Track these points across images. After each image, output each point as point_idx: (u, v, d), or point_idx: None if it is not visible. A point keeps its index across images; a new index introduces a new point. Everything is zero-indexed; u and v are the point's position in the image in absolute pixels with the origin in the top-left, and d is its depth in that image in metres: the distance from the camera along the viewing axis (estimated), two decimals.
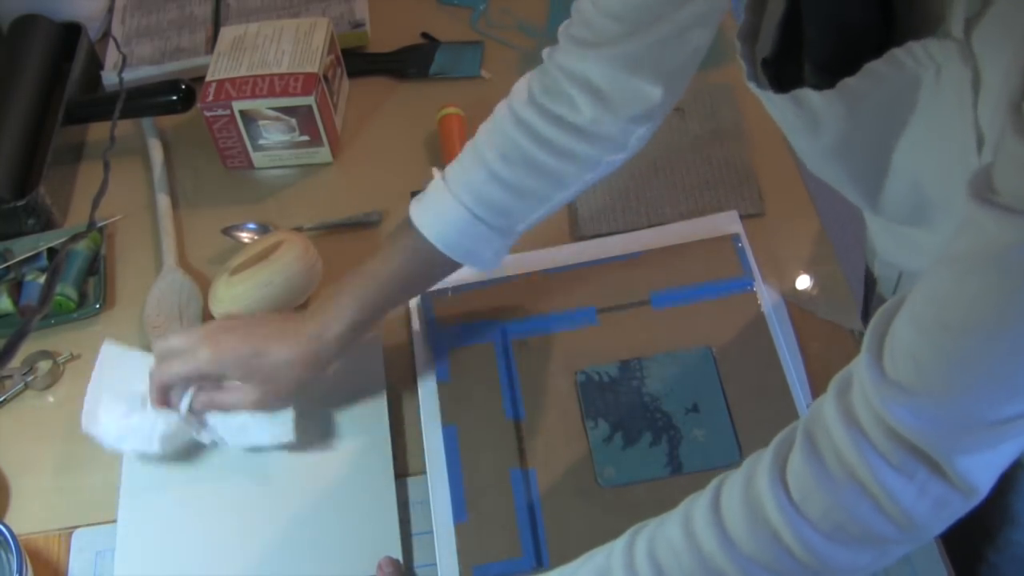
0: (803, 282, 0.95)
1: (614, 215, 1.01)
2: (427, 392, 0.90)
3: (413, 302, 0.96)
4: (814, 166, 0.69)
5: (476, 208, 0.81)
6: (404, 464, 0.87)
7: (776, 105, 0.63)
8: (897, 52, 0.55)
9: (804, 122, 0.62)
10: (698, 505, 0.61)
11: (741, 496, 0.59)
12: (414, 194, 1.01)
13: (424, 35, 1.23)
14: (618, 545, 0.64)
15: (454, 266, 0.85)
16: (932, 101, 0.56)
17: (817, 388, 0.87)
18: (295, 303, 0.97)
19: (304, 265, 0.96)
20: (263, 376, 0.82)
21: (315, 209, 1.07)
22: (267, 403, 0.84)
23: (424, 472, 0.86)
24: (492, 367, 0.90)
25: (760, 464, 0.59)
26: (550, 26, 1.23)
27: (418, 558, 0.82)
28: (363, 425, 0.89)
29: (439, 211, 0.82)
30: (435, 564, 0.81)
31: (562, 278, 0.96)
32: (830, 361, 0.89)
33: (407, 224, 0.84)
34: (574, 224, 1.02)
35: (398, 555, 0.81)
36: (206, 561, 0.83)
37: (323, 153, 1.11)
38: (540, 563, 0.80)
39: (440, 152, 1.09)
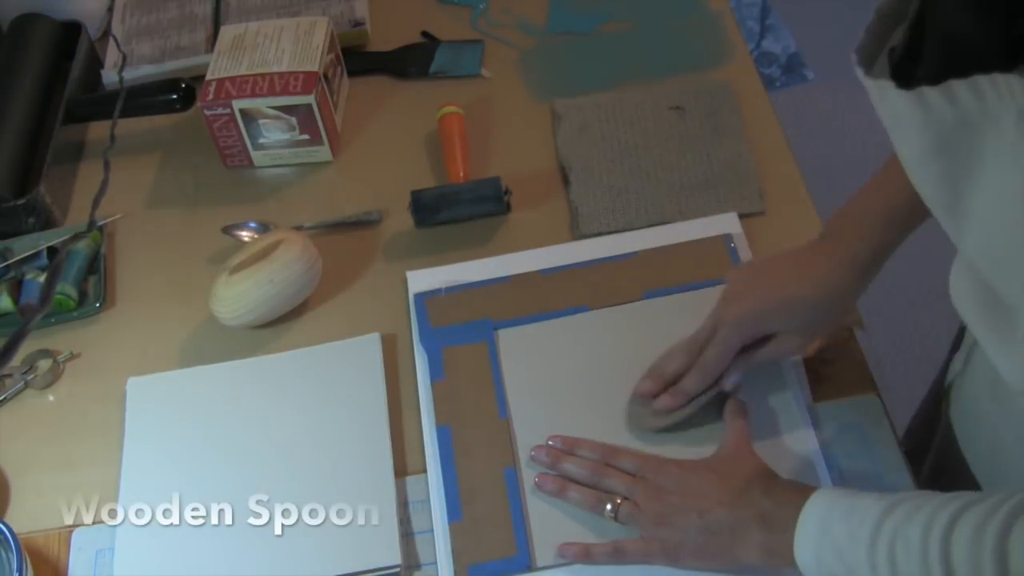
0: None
1: (614, 214, 1.02)
2: (422, 392, 0.90)
3: (409, 299, 0.96)
4: (907, 168, 0.61)
5: None
6: (403, 463, 0.87)
7: (870, 91, 0.57)
8: (981, 79, 0.49)
9: (888, 117, 0.57)
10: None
11: None
12: (414, 193, 1.02)
13: (424, 34, 1.23)
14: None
15: None
16: (1007, 148, 0.50)
17: (816, 387, 0.87)
18: (295, 302, 0.98)
19: (304, 264, 0.96)
20: (797, 324, 0.82)
21: (315, 208, 1.07)
22: (807, 345, 0.84)
23: (424, 471, 0.86)
24: (486, 367, 0.90)
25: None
26: (550, 25, 1.23)
27: (418, 558, 0.82)
28: (363, 424, 0.89)
29: None
30: (435, 564, 0.81)
31: (556, 278, 0.96)
32: (829, 361, 0.89)
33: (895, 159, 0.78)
34: (574, 223, 1.02)
35: (397, 555, 0.81)
36: (206, 561, 0.83)
37: (323, 152, 1.11)
38: (534, 562, 0.80)
39: (440, 151, 1.09)
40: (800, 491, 0.73)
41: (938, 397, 0.96)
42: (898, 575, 0.64)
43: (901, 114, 0.54)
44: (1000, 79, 0.48)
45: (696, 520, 0.76)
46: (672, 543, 0.77)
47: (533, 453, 0.85)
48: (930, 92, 0.51)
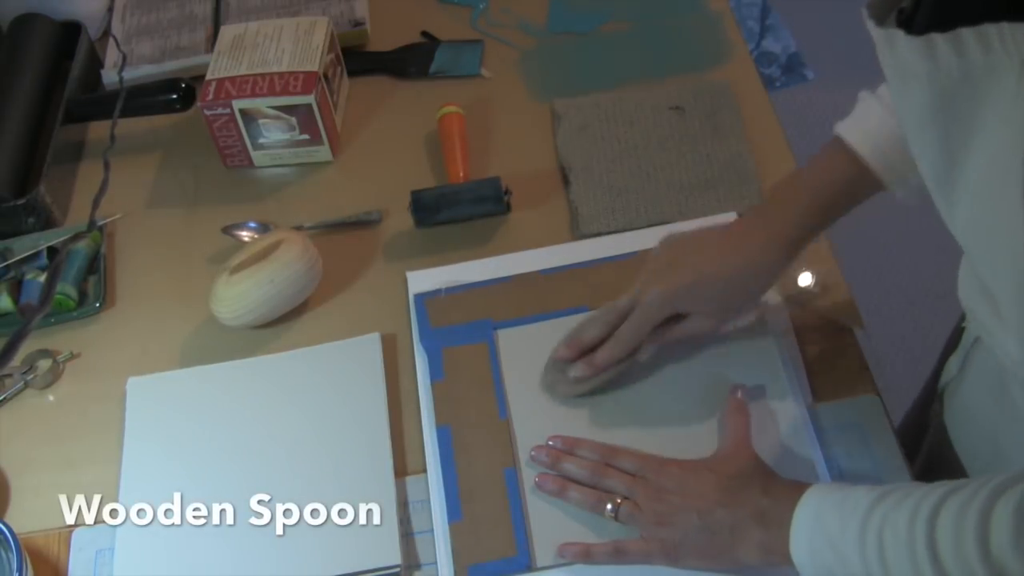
0: (802, 281, 0.95)
1: (614, 214, 1.02)
2: (422, 392, 0.90)
3: (409, 299, 0.96)
4: (906, 131, 0.61)
5: None
6: (403, 463, 0.87)
7: (878, 42, 0.58)
8: (989, 28, 0.49)
9: (894, 71, 0.57)
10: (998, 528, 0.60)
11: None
12: (414, 193, 1.02)
13: (424, 34, 1.23)
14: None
15: (875, 189, 0.80)
16: (1007, 102, 0.50)
17: (816, 387, 0.87)
18: (295, 302, 0.98)
19: (304, 264, 0.96)
20: (715, 305, 0.83)
21: (315, 208, 1.07)
22: (722, 325, 0.85)
23: (424, 471, 0.86)
24: (486, 367, 0.90)
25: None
26: (550, 25, 1.23)
27: (418, 558, 0.82)
28: (363, 424, 0.89)
29: (868, 124, 0.78)
30: (435, 564, 0.81)
31: (556, 278, 0.96)
32: (829, 360, 0.89)
33: (834, 143, 0.80)
34: (574, 223, 1.02)
35: (397, 555, 0.81)
36: (206, 561, 0.83)
37: (323, 152, 1.11)
38: (534, 562, 0.80)
39: (440, 151, 1.09)
40: (797, 487, 0.74)
41: (928, 400, 0.96)
42: (886, 561, 0.65)
43: (908, 65, 0.54)
44: (1007, 29, 0.48)
45: (696, 520, 0.76)
46: (672, 543, 0.77)
47: (533, 453, 0.85)
48: (939, 39, 0.51)
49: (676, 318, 0.85)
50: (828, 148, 0.82)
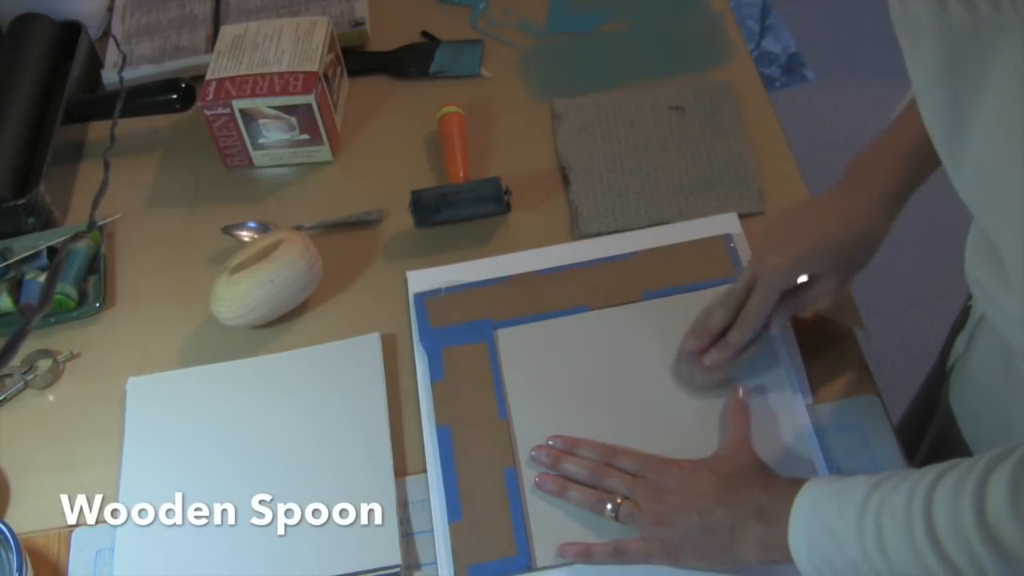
0: (802, 281, 0.95)
1: (614, 214, 1.01)
2: (422, 392, 0.90)
3: (409, 299, 0.96)
4: (916, 91, 0.62)
5: None
6: (403, 463, 0.87)
7: (893, 6, 0.59)
8: None
9: (905, 27, 0.58)
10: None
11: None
12: (414, 193, 1.02)
13: (424, 34, 1.23)
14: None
15: None
16: (1019, 64, 0.50)
17: (816, 387, 0.87)
18: (295, 302, 0.98)
19: (304, 264, 0.96)
20: (832, 265, 0.83)
21: (315, 208, 1.07)
22: (846, 284, 0.85)
23: (424, 471, 0.86)
24: (485, 367, 0.90)
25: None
26: (550, 25, 1.23)
27: (418, 558, 0.82)
28: (363, 424, 0.89)
29: None
30: (435, 564, 0.81)
31: (556, 278, 0.96)
32: (829, 360, 0.89)
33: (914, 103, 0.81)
34: (574, 223, 1.02)
35: (397, 555, 0.81)
36: (206, 560, 0.83)
37: (323, 152, 1.11)
38: (534, 562, 0.80)
39: (440, 151, 1.09)
40: (796, 484, 0.74)
41: (936, 383, 0.97)
42: (884, 544, 0.65)
43: (919, 20, 0.55)
44: None
45: (696, 520, 0.76)
46: (672, 543, 0.77)
47: (533, 453, 0.85)
48: None
49: (799, 287, 0.85)
50: (911, 106, 0.82)
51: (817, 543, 0.69)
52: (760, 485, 0.76)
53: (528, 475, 0.84)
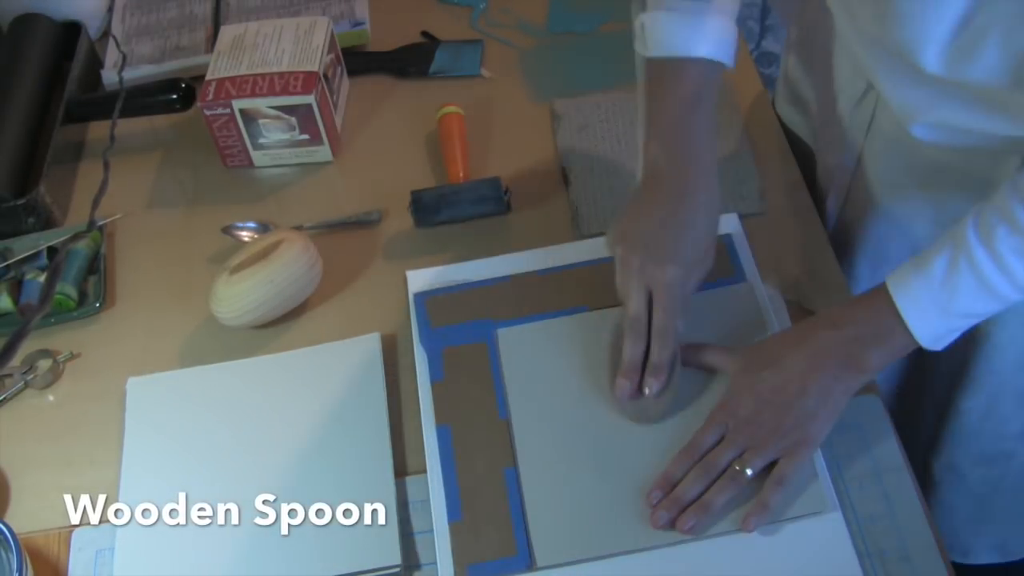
0: (804, 281, 0.95)
1: (614, 214, 1.01)
2: (422, 392, 0.90)
3: (410, 301, 0.96)
4: None
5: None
6: (403, 463, 0.87)
7: None
8: None
9: None
10: None
11: None
12: (414, 193, 1.02)
13: (424, 34, 1.23)
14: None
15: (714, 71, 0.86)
16: None
17: None
18: (295, 302, 0.98)
19: (304, 264, 0.96)
20: (704, 248, 0.86)
21: (315, 208, 1.07)
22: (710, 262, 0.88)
23: (424, 471, 0.86)
24: (485, 367, 0.90)
25: None
26: (550, 25, 1.23)
27: (418, 558, 0.82)
28: (363, 424, 0.89)
29: (664, 33, 0.85)
30: (435, 564, 0.81)
31: (555, 278, 0.96)
32: None
33: (647, 66, 0.87)
34: (574, 223, 1.02)
35: (397, 555, 0.81)
36: (206, 560, 0.83)
37: (323, 152, 1.11)
38: (534, 562, 0.80)
39: (440, 151, 1.09)
40: (844, 312, 0.81)
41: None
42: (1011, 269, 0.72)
43: None
44: None
45: (799, 402, 0.79)
46: (802, 436, 0.79)
47: (655, 520, 0.80)
48: None
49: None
50: (664, 79, 0.86)
51: (947, 328, 0.77)
52: (795, 343, 0.81)
53: (528, 475, 0.84)
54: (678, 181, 0.85)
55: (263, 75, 1.07)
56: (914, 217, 0.93)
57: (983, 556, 1.18)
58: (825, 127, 1.01)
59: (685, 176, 0.85)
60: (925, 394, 1.08)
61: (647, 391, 0.85)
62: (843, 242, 1.02)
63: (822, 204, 1.04)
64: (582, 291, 0.95)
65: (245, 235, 1.05)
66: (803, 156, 1.06)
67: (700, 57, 0.85)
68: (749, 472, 0.79)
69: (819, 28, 1.00)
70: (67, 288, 1.00)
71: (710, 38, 0.85)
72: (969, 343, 0.97)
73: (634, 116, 1.09)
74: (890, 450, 0.83)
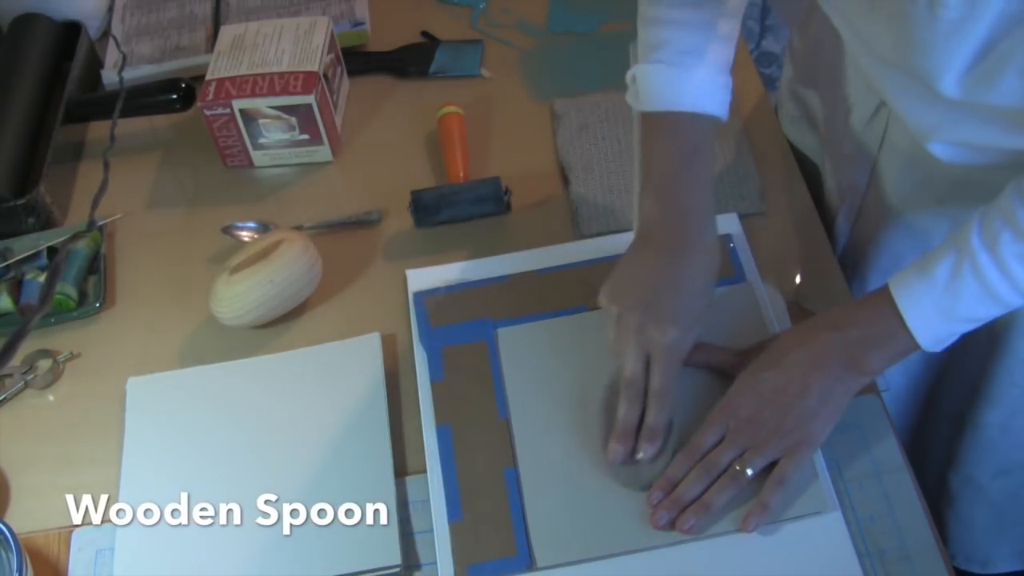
0: (804, 282, 0.95)
1: (614, 214, 1.02)
2: (422, 392, 0.90)
3: (410, 300, 0.96)
4: None
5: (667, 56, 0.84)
6: (403, 463, 0.87)
7: None
8: None
9: None
10: None
11: None
12: (414, 193, 1.02)
13: (424, 34, 1.23)
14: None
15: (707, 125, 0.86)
16: None
17: None
18: (295, 302, 0.98)
19: (304, 264, 0.96)
20: (703, 309, 0.85)
21: (315, 208, 1.07)
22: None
23: (424, 471, 0.86)
24: (485, 367, 0.90)
25: None
26: (550, 25, 1.23)
27: (418, 558, 0.82)
28: (363, 424, 0.89)
29: (655, 86, 0.85)
30: (435, 564, 0.81)
31: (555, 278, 0.96)
32: None
33: (641, 119, 0.87)
34: (574, 223, 1.02)
35: (397, 555, 0.81)
36: (207, 560, 0.83)
37: (323, 152, 1.11)
38: (534, 562, 0.80)
39: (440, 151, 1.09)
40: (847, 312, 0.81)
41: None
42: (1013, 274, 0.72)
43: None
44: None
45: (800, 402, 0.79)
46: (802, 436, 0.79)
47: (655, 520, 0.80)
48: None
49: None
50: (658, 133, 0.86)
51: (948, 332, 0.76)
52: (798, 340, 0.81)
53: (528, 475, 0.84)
54: (674, 238, 0.84)
55: (263, 75, 1.07)
56: (931, 231, 0.92)
57: (1004, 565, 1.17)
58: (835, 144, 1.00)
59: (682, 233, 0.84)
60: (941, 409, 1.07)
61: (641, 455, 0.83)
62: (856, 259, 1.01)
63: (831, 223, 1.03)
64: (582, 291, 0.95)
65: (245, 235, 1.05)
66: (808, 175, 1.05)
67: (694, 112, 0.84)
68: (750, 472, 0.79)
69: (825, 44, 0.99)
70: (67, 288, 1.00)
71: (704, 92, 0.84)
72: (988, 357, 0.96)
73: (634, 116, 1.09)
74: (890, 450, 0.83)
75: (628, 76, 0.87)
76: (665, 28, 0.84)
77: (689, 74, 0.84)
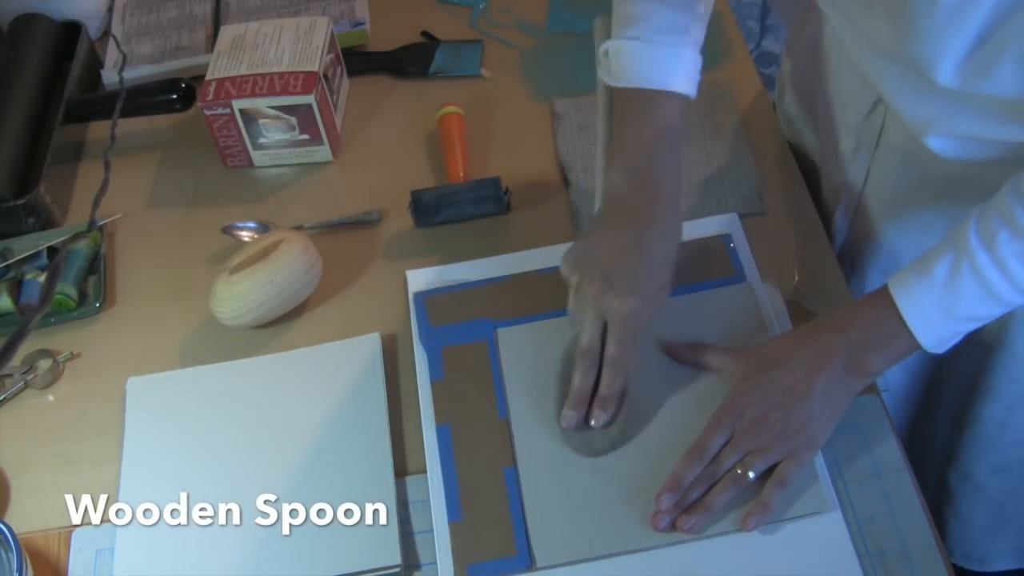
0: (803, 282, 0.95)
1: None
2: (422, 392, 0.90)
3: (410, 300, 0.96)
4: None
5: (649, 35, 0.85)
6: (403, 463, 0.87)
7: None
8: None
9: None
10: None
11: None
12: (414, 193, 1.02)
13: (424, 34, 1.23)
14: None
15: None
16: None
17: None
18: (295, 302, 0.98)
19: (304, 264, 0.96)
20: (662, 284, 0.86)
21: (315, 208, 1.07)
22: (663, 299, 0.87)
23: (424, 471, 0.86)
24: (485, 366, 0.90)
25: None
26: (550, 25, 1.23)
27: (418, 558, 0.82)
28: (363, 424, 0.89)
29: (632, 62, 0.86)
30: (435, 564, 0.81)
31: (555, 278, 0.96)
32: None
33: (609, 94, 0.88)
34: (574, 223, 1.02)
35: (397, 555, 0.81)
36: (204, 561, 0.83)
37: (323, 152, 1.11)
38: (534, 562, 0.80)
39: (440, 151, 1.09)
40: (849, 313, 0.81)
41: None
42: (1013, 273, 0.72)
43: None
44: None
45: (805, 404, 0.79)
46: (806, 439, 0.79)
47: (656, 523, 0.80)
48: None
49: None
50: (631, 109, 0.87)
51: (950, 332, 0.77)
52: (800, 341, 0.81)
53: (528, 475, 0.84)
54: (640, 211, 0.85)
55: (263, 75, 1.07)
56: (928, 228, 0.92)
57: (1001, 562, 1.17)
58: (832, 142, 1.00)
59: (648, 206, 0.85)
60: (940, 406, 1.07)
61: (593, 422, 0.83)
62: (854, 256, 1.01)
63: (829, 220, 1.03)
64: None
65: (245, 235, 1.05)
66: (806, 171, 1.05)
67: (673, 91, 0.85)
68: (752, 475, 0.79)
69: (821, 42, 0.99)
70: (67, 288, 1.00)
71: (684, 72, 0.86)
72: (986, 353, 0.96)
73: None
74: (890, 450, 0.83)
75: (600, 50, 0.88)
76: (642, 3, 0.85)
77: (665, 52, 0.85)
